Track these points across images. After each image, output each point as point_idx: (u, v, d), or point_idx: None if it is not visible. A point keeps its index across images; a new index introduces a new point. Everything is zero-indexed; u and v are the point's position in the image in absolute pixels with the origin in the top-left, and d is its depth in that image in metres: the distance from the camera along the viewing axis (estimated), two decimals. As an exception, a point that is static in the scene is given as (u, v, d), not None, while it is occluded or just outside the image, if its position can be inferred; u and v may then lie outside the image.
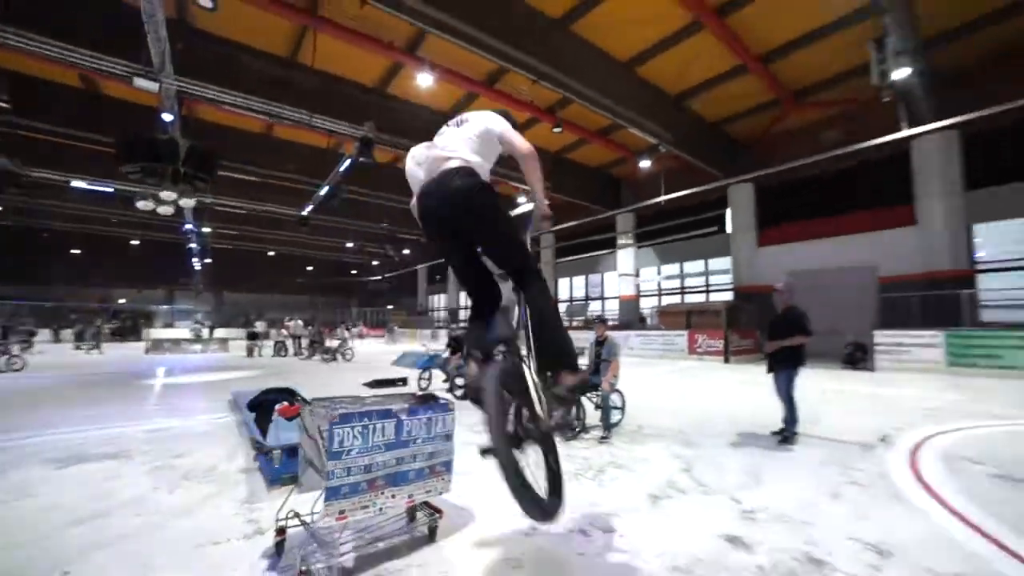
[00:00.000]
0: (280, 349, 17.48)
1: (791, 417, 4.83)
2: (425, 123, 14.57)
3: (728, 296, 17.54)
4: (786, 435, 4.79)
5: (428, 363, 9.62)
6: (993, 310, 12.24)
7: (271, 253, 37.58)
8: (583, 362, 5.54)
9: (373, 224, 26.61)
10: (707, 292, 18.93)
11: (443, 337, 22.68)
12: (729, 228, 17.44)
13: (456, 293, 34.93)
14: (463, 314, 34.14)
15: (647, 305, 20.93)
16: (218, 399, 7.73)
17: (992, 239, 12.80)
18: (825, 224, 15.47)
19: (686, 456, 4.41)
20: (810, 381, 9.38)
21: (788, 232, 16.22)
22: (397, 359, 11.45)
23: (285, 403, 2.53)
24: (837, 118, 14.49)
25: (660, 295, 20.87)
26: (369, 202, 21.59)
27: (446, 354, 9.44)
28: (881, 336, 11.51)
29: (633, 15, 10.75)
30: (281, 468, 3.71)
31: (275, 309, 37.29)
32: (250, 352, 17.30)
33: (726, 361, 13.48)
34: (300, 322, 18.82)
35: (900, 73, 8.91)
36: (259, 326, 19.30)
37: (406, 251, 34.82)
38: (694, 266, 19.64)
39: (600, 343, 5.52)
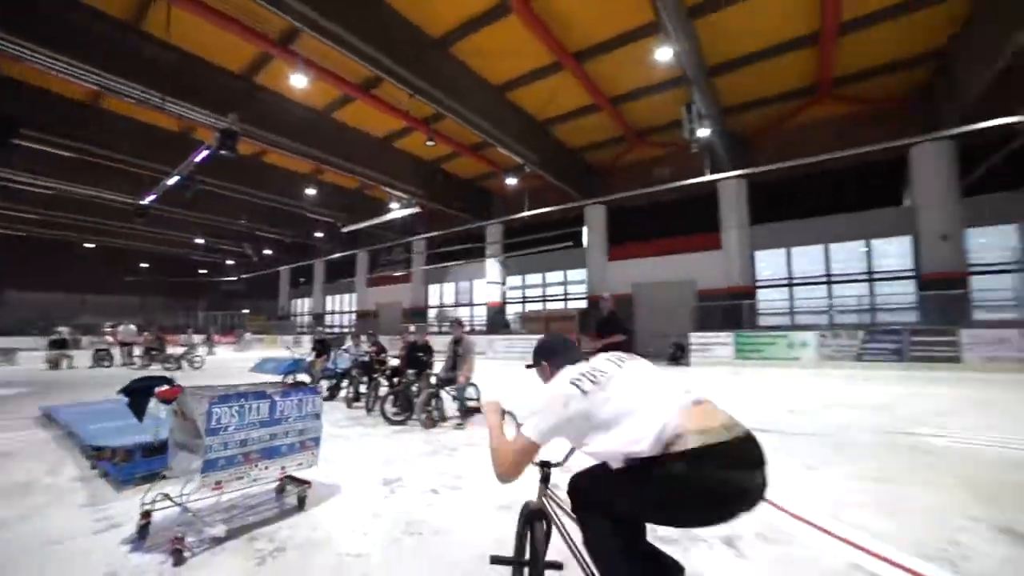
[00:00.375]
0: (103, 358, 14.97)
1: (609, 398, 6.10)
2: (297, 120, 14.03)
3: (583, 303, 19.84)
4: (605, 413, 6.05)
5: (292, 367, 9.41)
6: (767, 316, 16.04)
7: (89, 245, 31.37)
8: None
9: (229, 220, 24.12)
10: (565, 300, 21.12)
11: (307, 343, 21.51)
12: (585, 243, 19.81)
13: (322, 296, 33.15)
14: (329, 319, 32.52)
15: (512, 311, 22.54)
16: (10, 417, 6.64)
17: (768, 263, 16.75)
18: (660, 244, 18.44)
19: (528, 433, 5.35)
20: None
21: (632, 250, 18.97)
22: (256, 365, 10.86)
23: (165, 386, 2.69)
24: (670, 157, 17.50)
25: (524, 302, 22.63)
26: (226, 195, 19.70)
27: (311, 357, 9.37)
28: (695, 337, 14.33)
29: (505, 47, 11.91)
30: (132, 468, 3.68)
31: (92, 312, 31.21)
32: (55, 364, 14.50)
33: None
34: (132, 327, 16.29)
35: (703, 132, 11.47)
36: (64, 332, 16.06)
37: (267, 251, 32.04)
38: (555, 276, 21.76)
39: (457, 342, 6.28)
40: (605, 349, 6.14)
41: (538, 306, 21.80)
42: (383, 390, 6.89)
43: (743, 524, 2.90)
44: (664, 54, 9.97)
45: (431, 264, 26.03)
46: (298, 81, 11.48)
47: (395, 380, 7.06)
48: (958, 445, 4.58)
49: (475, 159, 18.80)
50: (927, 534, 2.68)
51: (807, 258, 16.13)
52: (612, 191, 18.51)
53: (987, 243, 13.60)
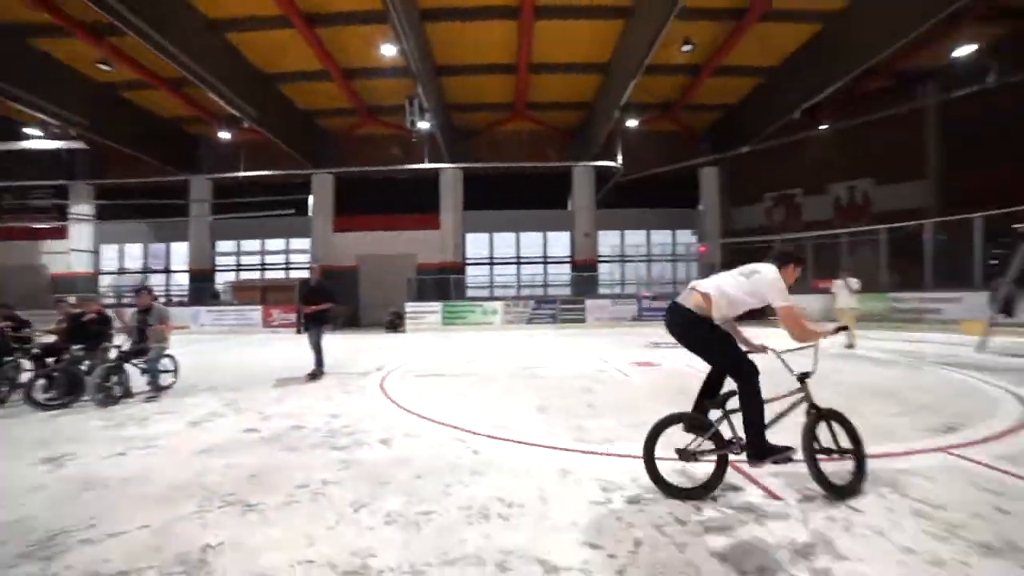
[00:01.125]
0: None
1: (319, 360, 6.76)
2: None
3: (306, 273, 19.20)
4: (314, 374, 6.68)
5: None
6: (473, 289, 19.32)
7: None
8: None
9: None
10: (287, 269, 20.00)
11: None
12: (310, 212, 19.15)
13: None
14: None
15: (222, 280, 19.91)
16: None
17: (477, 244, 20.05)
18: (387, 219, 19.49)
19: (232, 397, 5.53)
20: (357, 341, 12.28)
21: (359, 222, 19.41)
22: None
23: None
24: (402, 138, 18.47)
25: (238, 270, 20.26)
26: None
27: None
28: (411, 307, 16.11)
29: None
30: None
31: None
32: None
33: (299, 332, 15.05)
34: None
35: (424, 124, 12.98)
36: None
37: None
38: (276, 244, 20.24)
39: (145, 311, 5.76)
40: (311, 316, 6.74)
41: (256, 274, 19.90)
42: (27, 374, 5.66)
43: (396, 427, 4.18)
44: (389, 49, 10.79)
45: (105, 219, 20.16)
46: None
47: (48, 360, 5.88)
48: (553, 374, 7.19)
49: (175, 97, 15.59)
50: (508, 419, 4.48)
51: (504, 242, 20.16)
52: (345, 161, 18.50)
53: (607, 242, 20.15)
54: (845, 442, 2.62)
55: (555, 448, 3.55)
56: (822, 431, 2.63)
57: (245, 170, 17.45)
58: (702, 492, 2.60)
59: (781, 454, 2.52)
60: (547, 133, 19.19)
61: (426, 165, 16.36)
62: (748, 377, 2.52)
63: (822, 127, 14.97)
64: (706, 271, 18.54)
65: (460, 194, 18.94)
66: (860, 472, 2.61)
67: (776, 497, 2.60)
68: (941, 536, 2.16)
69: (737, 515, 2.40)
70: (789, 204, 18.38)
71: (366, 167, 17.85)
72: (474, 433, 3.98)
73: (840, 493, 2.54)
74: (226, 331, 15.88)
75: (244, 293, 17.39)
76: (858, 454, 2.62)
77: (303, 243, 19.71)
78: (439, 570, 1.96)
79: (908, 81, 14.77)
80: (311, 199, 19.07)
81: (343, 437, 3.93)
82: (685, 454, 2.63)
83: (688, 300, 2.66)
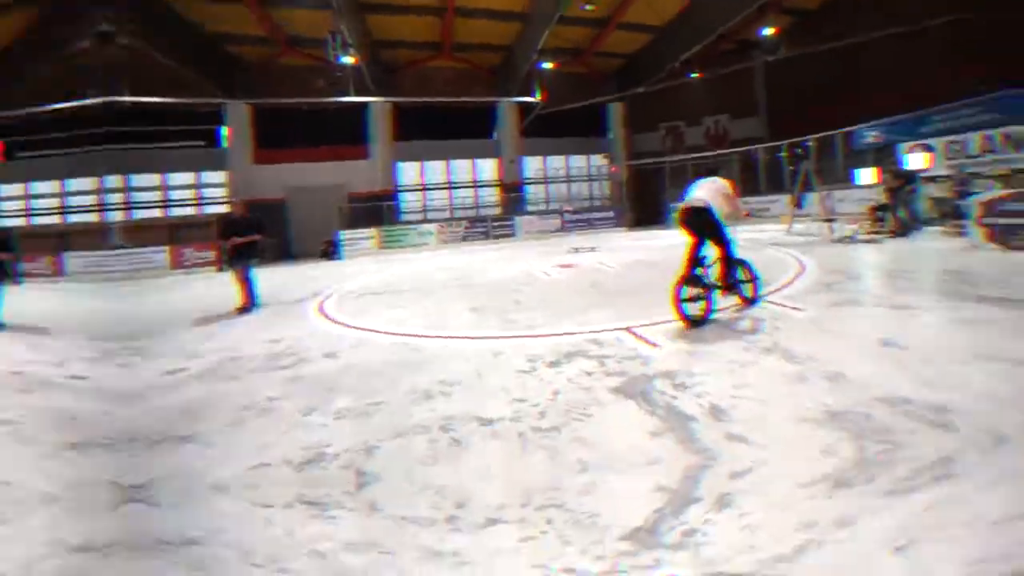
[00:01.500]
0: None
1: (251, 293, 6.30)
2: None
3: (225, 209, 17.13)
4: (247, 308, 6.24)
5: None
6: (407, 214, 18.59)
7: None
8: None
9: None
10: (199, 205, 17.65)
11: None
12: (226, 144, 16.78)
13: None
14: None
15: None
16: None
17: (408, 172, 18.97)
18: (316, 151, 17.58)
19: (140, 346, 4.77)
20: (290, 272, 11.66)
21: (284, 154, 17.28)
22: None
23: None
24: (327, 69, 15.77)
25: (129, 208, 16.71)
26: None
27: None
28: (346, 234, 15.41)
29: None
30: None
31: None
32: None
33: (220, 270, 13.00)
34: None
35: (348, 59, 11.74)
36: None
37: None
38: (182, 178, 17.46)
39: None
40: (237, 248, 6.20)
41: (157, 212, 16.94)
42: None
43: (339, 343, 4.16)
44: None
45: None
46: None
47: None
48: (485, 281, 7.33)
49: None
50: (446, 321, 4.60)
51: (435, 170, 19.33)
52: (264, 91, 16.29)
53: (532, 166, 19.88)
54: (748, 276, 4.10)
55: (488, 337, 3.76)
56: (739, 270, 3.99)
57: (132, 95, 14.25)
58: (707, 319, 3.62)
59: (737, 286, 3.97)
60: (472, 71, 18.22)
61: (352, 99, 14.92)
62: (731, 245, 3.82)
63: (694, 75, 17.48)
64: (617, 188, 19.77)
65: (389, 124, 17.62)
66: (757, 289, 4.14)
67: (654, 345, 3.07)
68: (747, 348, 2.91)
69: (629, 362, 2.82)
70: (675, 133, 20.99)
71: (287, 99, 15.82)
72: (415, 336, 4.07)
73: (752, 302, 4.08)
74: (121, 278, 13.61)
75: (143, 234, 15.07)
76: (755, 279, 4.12)
77: (216, 177, 17.36)
78: (390, 442, 2.09)
79: (746, 47, 17.38)
80: (225, 130, 16.62)
81: (286, 358, 3.77)
82: (690, 299, 3.56)
83: (696, 204, 3.78)
